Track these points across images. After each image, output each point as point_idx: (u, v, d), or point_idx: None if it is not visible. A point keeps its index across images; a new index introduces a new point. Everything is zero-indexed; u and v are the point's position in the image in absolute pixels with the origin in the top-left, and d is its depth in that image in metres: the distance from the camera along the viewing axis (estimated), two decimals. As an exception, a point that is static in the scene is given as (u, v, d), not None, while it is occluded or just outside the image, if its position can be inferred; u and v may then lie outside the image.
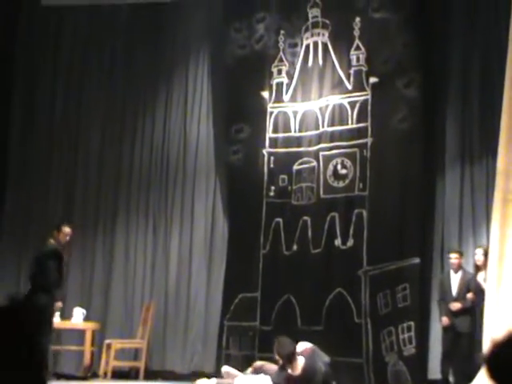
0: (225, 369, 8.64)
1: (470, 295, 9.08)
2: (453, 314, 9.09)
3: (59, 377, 9.27)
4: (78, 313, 10.20)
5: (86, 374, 9.77)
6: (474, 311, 8.99)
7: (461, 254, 9.33)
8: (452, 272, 9.26)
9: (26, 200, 11.48)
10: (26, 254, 11.38)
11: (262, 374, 8.11)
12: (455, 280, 9.23)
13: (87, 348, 10.01)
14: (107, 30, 11.63)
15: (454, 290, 9.18)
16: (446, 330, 9.17)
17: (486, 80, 9.70)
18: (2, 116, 11.63)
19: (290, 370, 7.92)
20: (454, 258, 9.26)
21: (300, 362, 7.95)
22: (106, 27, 11.64)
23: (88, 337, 10.05)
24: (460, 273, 9.23)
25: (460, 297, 9.13)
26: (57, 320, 10.11)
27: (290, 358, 7.91)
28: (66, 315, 10.34)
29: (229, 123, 10.91)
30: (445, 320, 9.14)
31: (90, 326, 10.22)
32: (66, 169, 11.57)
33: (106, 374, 10.07)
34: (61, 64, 11.75)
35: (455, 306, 9.08)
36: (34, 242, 11.32)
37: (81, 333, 10.31)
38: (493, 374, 1.21)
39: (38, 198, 11.49)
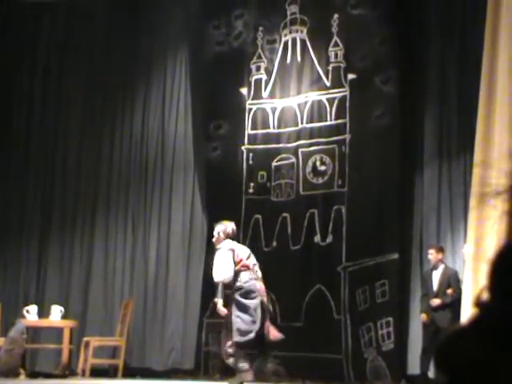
0: None
1: (449, 291, 9.09)
2: (432, 310, 9.10)
3: (37, 375, 9.20)
4: (56, 311, 10.14)
5: (63, 371, 9.71)
6: (454, 307, 8.99)
7: (438, 249, 9.30)
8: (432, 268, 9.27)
9: (3, 199, 11.40)
10: (5, 252, 11.36)
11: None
12: (436, 276, 9.23)
13: (65, 346, 9.95)
14: (86, 25, 11.58)
15: (435, 286, 9.18)
16: (425, 325, 9.18)
17: (463, 76, 9.72)
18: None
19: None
20: (429, 253, 9.26)
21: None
22: (84, 23, 11.58)
23: (66, 334, 9.99)
24: (441, 268, 9.22)
25: (440, 292, 9.13)
26: (34, 318, 10.07)
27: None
28: (43, 313, 10.29)
29: (207, 120, 10.89)
30: (423, 317, 9.14)
31: (67, 324, 10.16)
32: (44, 168, 11.49)
33: (84, 372, 10.02)
34: (38, 66, 11.70)
35: (435, 302, 9.08)
36: (13, 241, 11.28)
37: (59, 331, 10.25)
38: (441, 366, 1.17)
39: (16, 196, 11.42)
